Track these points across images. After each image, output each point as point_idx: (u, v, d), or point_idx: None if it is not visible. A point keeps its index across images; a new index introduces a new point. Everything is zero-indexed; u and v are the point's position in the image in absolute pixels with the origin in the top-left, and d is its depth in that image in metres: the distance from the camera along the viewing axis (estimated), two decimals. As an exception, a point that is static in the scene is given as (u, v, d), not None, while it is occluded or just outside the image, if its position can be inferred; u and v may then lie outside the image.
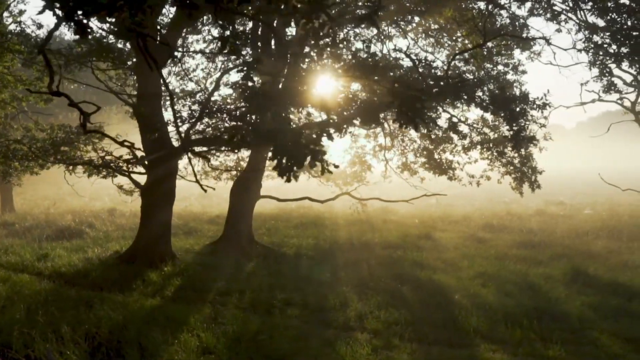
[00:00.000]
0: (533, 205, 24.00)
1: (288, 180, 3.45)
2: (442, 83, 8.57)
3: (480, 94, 10.11)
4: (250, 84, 3.70)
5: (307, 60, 5.41)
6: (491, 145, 14.23)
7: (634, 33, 9.95)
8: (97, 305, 8.00)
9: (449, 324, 7.44)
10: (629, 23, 9.99)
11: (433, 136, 16.16)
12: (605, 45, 10.65)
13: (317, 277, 10.54)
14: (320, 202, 15.37)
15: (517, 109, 9.63)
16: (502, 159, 14.47)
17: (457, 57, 17.05)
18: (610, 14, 10.16)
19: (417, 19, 17.06)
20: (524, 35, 13.38)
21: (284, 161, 3.24)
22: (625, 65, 10.85)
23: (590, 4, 10.58)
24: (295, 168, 3.42)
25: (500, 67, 16.21)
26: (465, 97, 9.22)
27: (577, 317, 7.77)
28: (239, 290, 9.30)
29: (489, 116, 14.30)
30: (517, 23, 15.47)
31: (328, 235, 16.10)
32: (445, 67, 14.95)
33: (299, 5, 3.01)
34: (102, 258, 11.96)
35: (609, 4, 10.42)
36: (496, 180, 14.99)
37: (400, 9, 12.65)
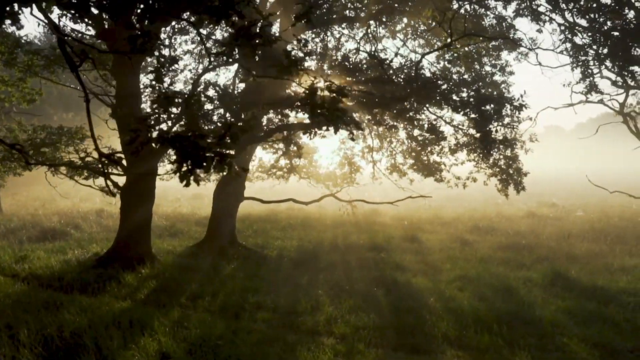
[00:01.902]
0: (526, 207, 23.88)
1: (187, 185, 3.36)
2: (414, 84, 8.46)
3: (464, 94, 9.97)
4: (158, 85, 3.59)
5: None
6: (477, 146, 14.11)
7: (614, 33, 9.81)
8: (65, 308, 7.91)
9: (417, 329, 7.33)
10: (609, 23, 9.85)
11: (420, 138, 16.07)
12: (585, 46, 10.52)
13: (295, 280, 10.44)
14: (305, 204, 15.27)
15: (490, 111, 9.50)
16: (489, 161, 14.35)
17: (447, 58, 16.97)
18: (591, 14, 10.01)
19: (405, 20, 17.02)
20: (509, 36, 13.24)
21: (185, 165, 3.15)
22: (608, 65, 10.71)
23: (572, 3, 10.44)
24: (197, 172, 3.33)
25: (488, 68, 16.17)
26: (438, 98, 9.09)
27: (549, 322, 7.64)
28: (211, 293, 9.20)
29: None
30: (504, 24, 15.40)
31: (314, 237, 16.01)
32: (433, 68, 14.87)
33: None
34: (81, 260, 11.86)
35: (592, 4, 10.29)
36: (482, 182, 14.87)
37: (384, 8, 12.55)
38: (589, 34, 10.19)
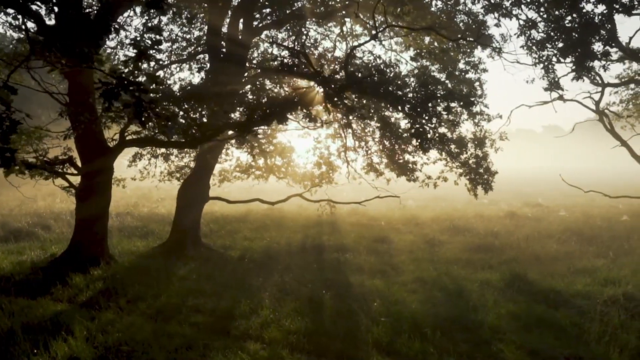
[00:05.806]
0: (508, 207, 23.54)
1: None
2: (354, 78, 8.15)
3: (400, 91, 9.55)
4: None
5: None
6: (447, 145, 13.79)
7: (576, 27, 9.49)
8: (-4, 311, 7.70)
9: (350, 334, 7.06)
10: (569, 18, 9.52)
11: (393, 138, 15.77)
12: (544, 41, 10.18)
13: (247, 282, 10.19)
14: (271, 204, 15.01)
15: (430, 108, 9.19)
16: (460, 159, 14.05)
17: (419, 55, 16.64)
18: (552, 8, 9.69)
19: (381, 18, 16.77)
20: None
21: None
22: (568, 60, 10.38)
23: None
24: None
25: (461, 65, 15.90)
26: (379, 93, 8.79)
27: (490, 327, 7.35)
28: (154, 295, 8.96)
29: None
30: (477, 20, 15.12)
31: (285, 238, 15.74)
32: (409, 66, 14.58)
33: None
34: (36, 261, 11.65)
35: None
36: (453, 181, 14.57)
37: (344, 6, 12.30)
38: (550, 25, 9.83)
